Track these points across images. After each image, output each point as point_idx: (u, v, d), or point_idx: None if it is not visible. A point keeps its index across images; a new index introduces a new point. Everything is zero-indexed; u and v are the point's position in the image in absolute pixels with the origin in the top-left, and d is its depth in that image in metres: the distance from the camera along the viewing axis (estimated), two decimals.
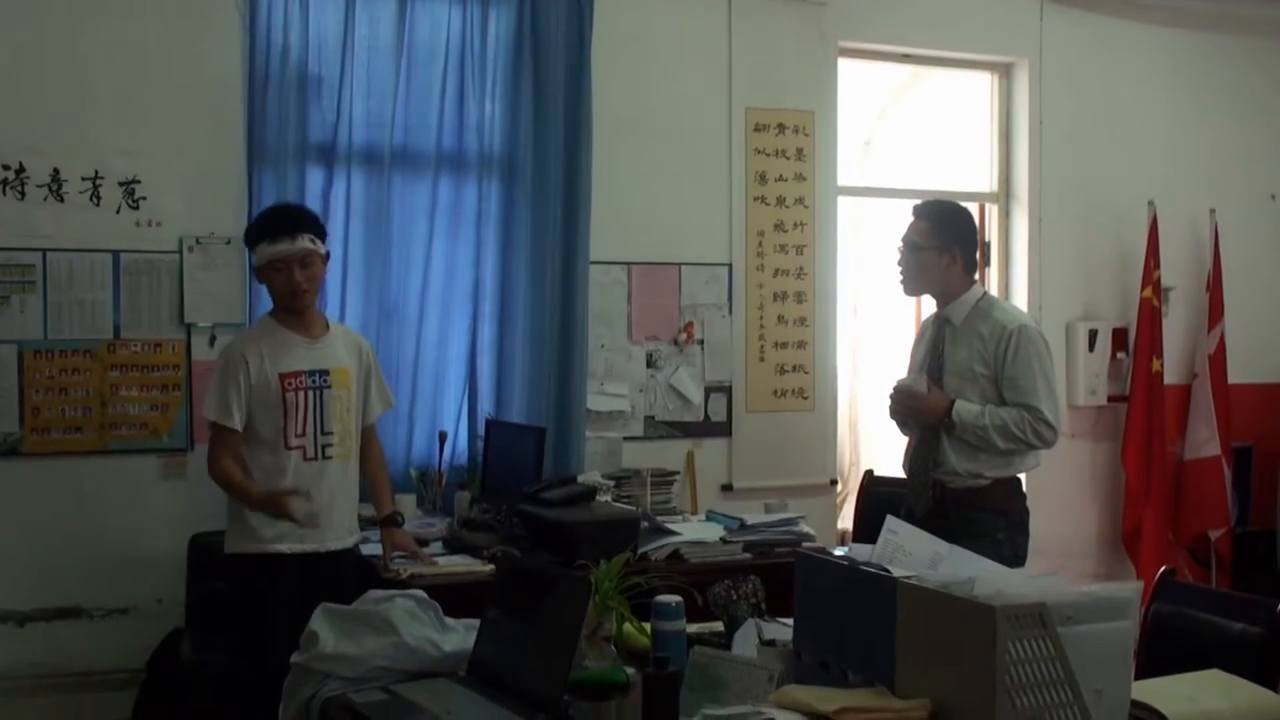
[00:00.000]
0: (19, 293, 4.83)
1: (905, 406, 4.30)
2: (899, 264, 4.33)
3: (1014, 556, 4.07)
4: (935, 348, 4.34)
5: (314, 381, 4.06)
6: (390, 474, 4.53)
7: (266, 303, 4.90)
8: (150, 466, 4.98)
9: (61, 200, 4.87)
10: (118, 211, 4.93)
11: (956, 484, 4.19)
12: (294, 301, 4.08)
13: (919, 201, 4.45)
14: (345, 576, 4.04)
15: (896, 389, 4.33)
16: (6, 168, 4.81)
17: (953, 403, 4.17)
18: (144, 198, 4.95)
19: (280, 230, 4.04)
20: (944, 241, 4.26)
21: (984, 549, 3.15)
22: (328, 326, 4.22)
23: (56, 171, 4.86)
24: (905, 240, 4.32)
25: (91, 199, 4.90)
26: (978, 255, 4.42)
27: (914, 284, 4.37)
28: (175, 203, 4.98)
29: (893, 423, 4.49)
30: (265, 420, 4.01)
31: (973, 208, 6.54)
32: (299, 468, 4.02)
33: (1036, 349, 4.16)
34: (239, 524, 4.02)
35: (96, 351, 4.91)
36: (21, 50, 4.82)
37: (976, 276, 4.40)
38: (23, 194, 4.82)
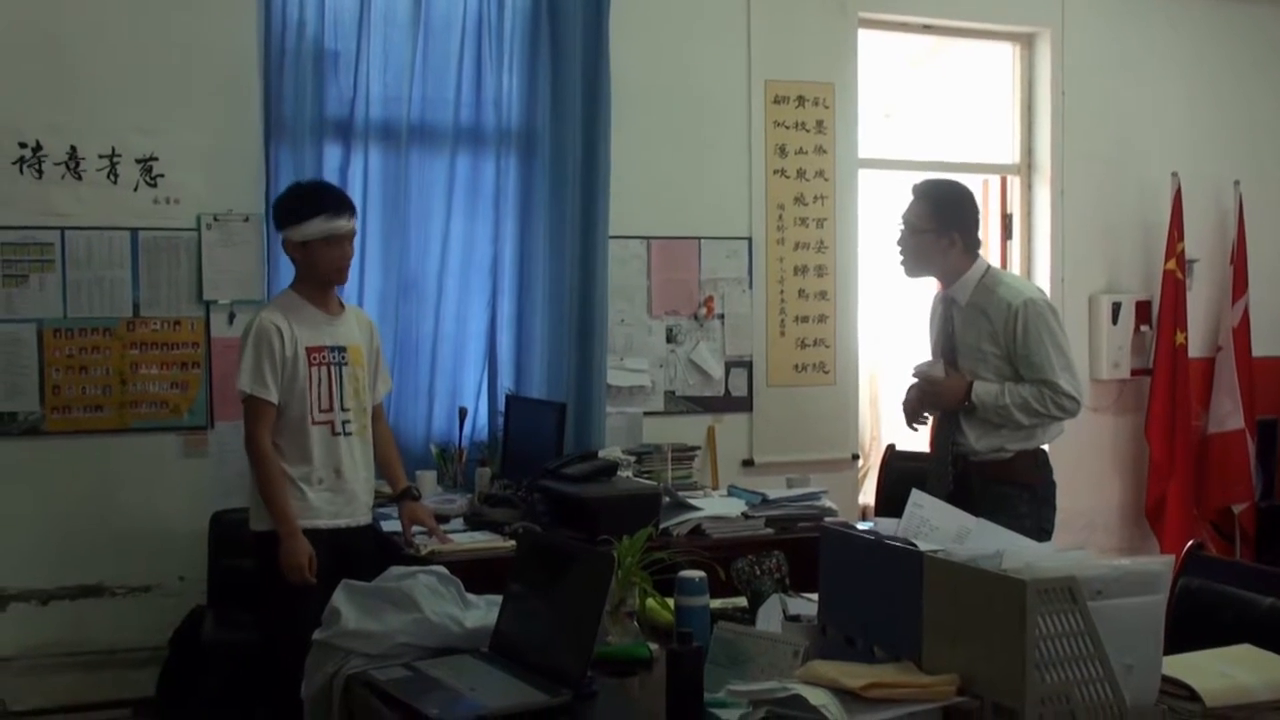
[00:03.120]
0: (38, 271, 4.82)
1: (925, 392, 4.26)
2: (898, 243, 4.28)
3: (1038, 530, 4.04)
4: (945, 328, 4.29)
5: (335, 358, 4.09)
6: (399, 450, 4.52)
7: (284, 279, 4.91)
8: (171, 444, 4.98)
9: (79, 178, 4.87)
10: (135, 189, 4.93)
11: (979, 458, 4.15)
12: (340, 276, 4.16)
13: (918, 181, 4.38)
14: (368, 551, 4.10)
15: (915, 373, 4.29)
16: (24, 146, 4.80)
17: (971, 385, 4.13)
18: (161, 175, 4.94)
19: (340, 206, 4.11)
20: (942, 225, 4.19)
21: (1007, 522, 3.13)
22: (342, 305, 4.23)
23: (74, 149, 4.85)
24: (904, 220, 4.26)
25: (109, 176, 4.90)
26: (980, 232, 4.35)
27: (914, 266, 4.30)
28: (193, 180, 4.96)
29: (905, 417, 4.42)
30: (291, 394, 4.01)
31: (994, 179, 6.53)
32: (326, 442, 4.04)
33: (1045, 322, 4.10)
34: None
35: (116, 330, 4.91)
36: (37, 28, 4.81)
37: (997, 251, 4.35)
38: (40, 172, 4.82)
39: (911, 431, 4.46)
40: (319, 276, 4.11)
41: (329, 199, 4.13)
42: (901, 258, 4.29)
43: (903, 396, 4.36)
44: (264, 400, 3.96)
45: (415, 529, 4.21)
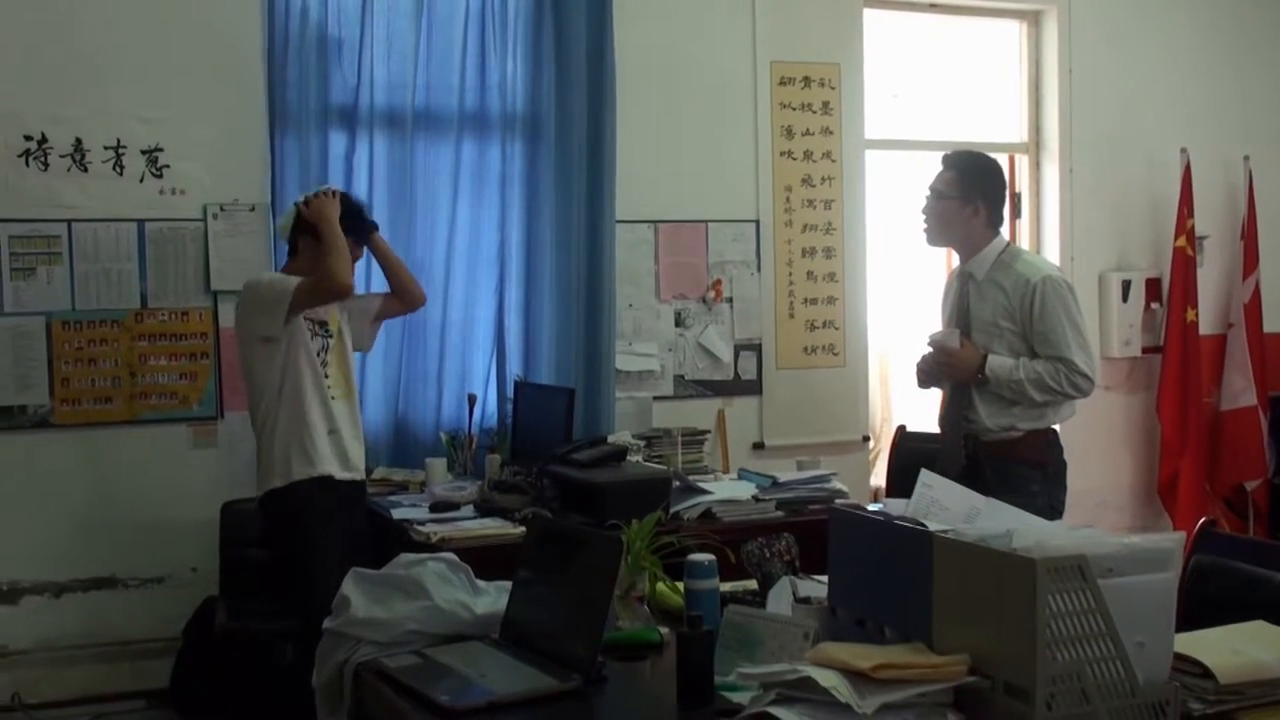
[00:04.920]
0: (45, 264, 4.83)
1: (939, 362, 4.26)
2: (923, 211, 4.29)
3: (1049, 509, 4.03)
4: (960, 303, 4.29)
5: (323, 330, 4.25)
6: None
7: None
8: (181, 435, 4.98)
9: (85, 170, 4.86)
10: (141, 180, 4.92)
11: (989, 437, 4.15)
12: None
13: (948, 151, 4.39)
14: (365, 509, 4.39)
15: (930, 343, 4.28)
16: (29, 139, 4.80)
17: (986, 357, 4.12)
18: (167, 165, 4.94)
19: (364, 230, 4.44)
20: (967, 192, 4.21)
21: (1019, 502, 3.10)
22: None
23: (79, 141, 4.85)
24: (931, 188, 4.28)
25: (114, 168, 4.89)
26: (1005, 209, 4.35)
27: (936, 234, 4.32)
28: (198, 170, 4.96)
29: (918, 383, 4.44)
30: (296, 357, 4.14)
31: (1003, 158, 6.46)
32: (330, 405, 4.20)
33: (1063, 299, 4.10)
34: (292, 455, 4.11)
35: (124, 321, 4.91)
36: (39, 20, 4.80)
37: (1005, 230, 4.34)
38: (46, 165, 4.82)
39: (921, 391, 4.47)
40: (336, 270, 4.20)
41: (363, 220, 4.46)
42: (925, 225, 4.29)
43: (917, 362, 4.37)
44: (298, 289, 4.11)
45: None
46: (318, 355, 4.20)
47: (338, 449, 4.21)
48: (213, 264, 4.98)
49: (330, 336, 4.28)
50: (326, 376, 4.21)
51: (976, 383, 4.15)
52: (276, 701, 4.24)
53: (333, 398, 4.22)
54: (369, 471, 5.02)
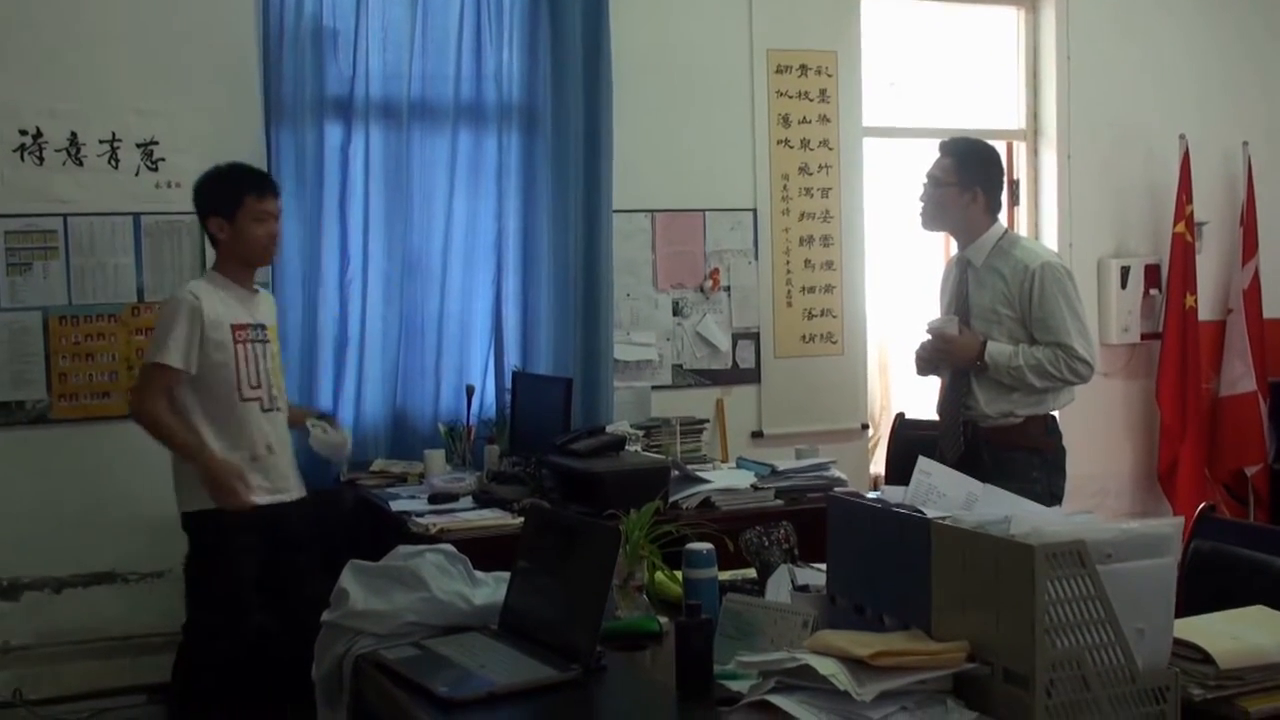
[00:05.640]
0: (41, 259, 4.82)
1: (937, 349, 4.25)
2: (920, 198, 4.28)
3: (1049, 495, 4.04)
4: (959, 290, 4.29)
5: (256, 335, 4.15)
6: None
7: (288, 260, 4.90)
8: None
9: (80, 164, 4.85)
10: (137, 174, 4.91)
11: (988, 424, 4.15)
12: (269, 255, 4.24)
13: (946, 138, 4.39)
14: (303, 526, 4.22)
15: (929, 330, 4.28)
16: (24, 133, 4.79)
17: (985, 344, 4.12)
18: (163, 159, 4.93)
19: (268, 186, 4.20)
20: (965, 179, 4.21)
21: (1018, 488, 3.10)
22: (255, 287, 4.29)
23: (74, 135, 4.84)
24: (929, 175, 4.27)
25: (110, 161, 4.88)
26: (1003, 196, 4.35)
27: (931, 219, 4.32)
28: (194, 162, 4.88)
29: (917, 370, 4.44)
30: (220, 371, 4.03)
31: (1001, 145, 6.44)
32: (259, 419, 4.10)
33: (1062, 285, 4.10)
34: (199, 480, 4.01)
35: (121, 315, 4.90)
36: (33, 13, 4.78)
37: (1004, 217, 4.34)
38: (41, 159, 4.81)
39: (920, 378, 4.49)
40: (247, 256, 4.16)
41: (255, 179, 4.20)
42: (921, 210, 4.29)
43: (916, 349, 4.37)
44: (170, 368, 3.95)
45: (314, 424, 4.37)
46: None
47: None
48: (209, 257, 4.93)
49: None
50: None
51: (976, 369, 4.15)
52: (277, 695, 4.25)
53: None
54: (368, 464, 5.04)
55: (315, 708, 2.92)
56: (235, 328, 4.07)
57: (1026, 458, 4.11)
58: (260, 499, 4.06)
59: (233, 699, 4.15)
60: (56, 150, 4.82)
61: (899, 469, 5.04)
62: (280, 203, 4.24)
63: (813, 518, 2.93)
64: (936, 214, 4.27)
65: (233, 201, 4.11)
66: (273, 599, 4.19)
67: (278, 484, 4.15)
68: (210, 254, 4.77)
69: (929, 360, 4.33)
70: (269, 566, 4.10)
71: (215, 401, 4.03)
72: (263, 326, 4.18)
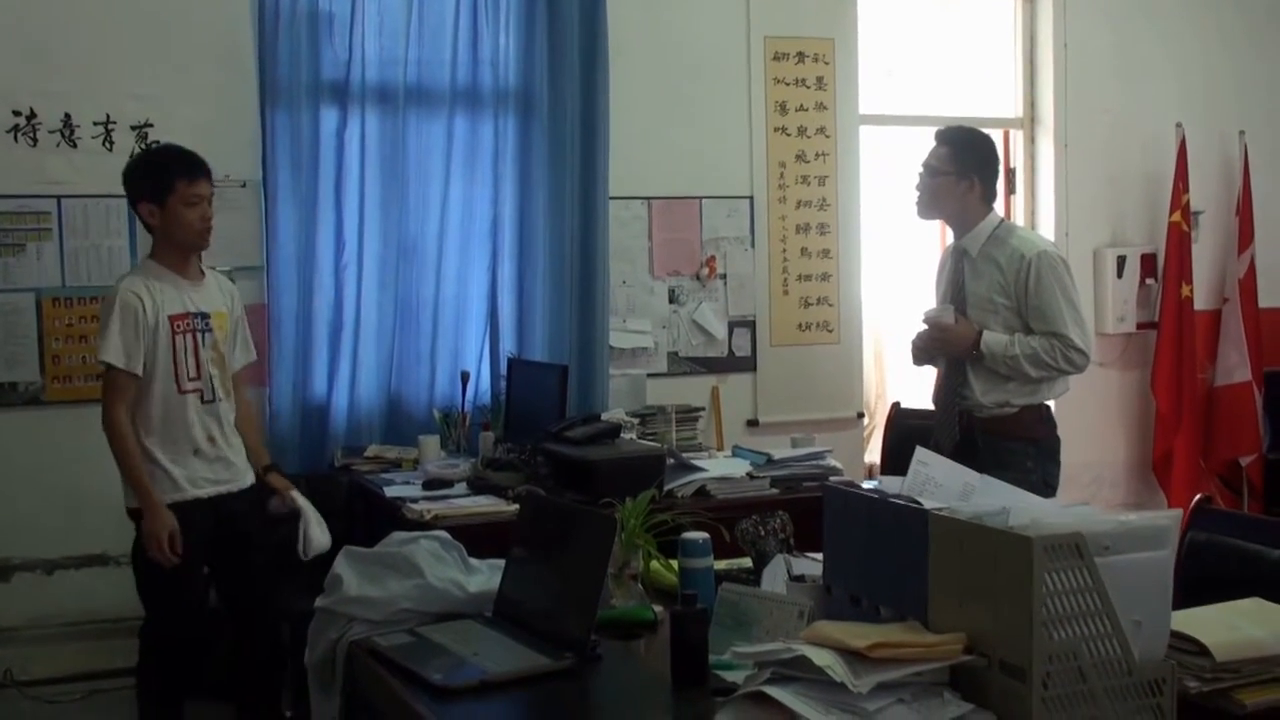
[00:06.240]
0: (35, 240, 4.80)
1: (933, 338, 4.25)
2: (916, 187, 4.28)
3: (1044, 485, 4.05)
4: (955, 280, 4.29)
5: (198, 324, 4.04)
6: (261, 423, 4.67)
7: (281, 245, 4.88)
8: None
9: (74, 146, 4.84)
10: (131, 156, 4.87)
11: (984, 413, 4.15)
12: (204, 239, 4.07)
13: (941, 127, 4.38)
14: (250, 515, 4.14)
15: (925, 319, 4.28)
16: (18, 114, 4.77)
17: (980, 333, 4.12)
18: (157, 141, 4.89)
19: (198, 169, 4.04)
20: (962, 168, 4.21)
21: (1013, 478, 3.11)
22: (203, 272, 4.17)
23: (68, 117, 4.82)
24: (925, 164, 4.27)
25: (104, 144, 4.87)
26: (999, 184, 4.35)
27: (928, 208, 4.32)
28: (189, 146, 4.85)
29: (913, 359, 4.45)
30: (158, 364, 3.95)
31: (997, 134, 6.46)
32: (198, 410, 4.02)
33: (1058, 274, 4.10)
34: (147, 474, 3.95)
35: None
36: None
37: (1000, 206, 4.34)
38: (35, 140, 4.79)
39: (916, 368, 4.50)
40: (182, 241, 4.03)
41: (184, 162, 4.05)
42: (917, 199, 4.29)
43: (912, 338, 4.38)
44: (126, 373, 3.90)
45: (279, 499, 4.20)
46: None
47: None
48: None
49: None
50: None
51: (971, 358, 4.14)
52: (267, 679, 4.25)
53: None
54: (362, 449, 5.03)
55: (307, 693, 2.91)
56: (173, 319, 3.98)
57: (1022, 447, 4.12)
58: (204, 491, 4.00)
59: (194, 685, 4.15)
60: (50, 131, 4.80)
61: (895, 458, 5.05)
62: (212, 185, 4.08)
63: (808, 506, 2.92)
64: (933, 203, 4.28)
65: (163, 186, 3.98)
66: (222, 587, 4.21)
67: (221, 475, 4.06)
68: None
69: (925, 349, 4.33)
70: (217, 555, 4.09)
71: (155, 393, 3.95)
72: (204, 315, 4.05)
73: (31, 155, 4.78)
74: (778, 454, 4.55)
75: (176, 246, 4.04)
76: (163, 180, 3.99)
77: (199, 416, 4.01)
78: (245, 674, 4.24)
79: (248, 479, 4.17)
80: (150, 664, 4.09)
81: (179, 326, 3.98)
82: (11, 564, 4.80)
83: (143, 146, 4.87)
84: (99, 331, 3.95)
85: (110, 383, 3.94)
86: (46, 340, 4.81)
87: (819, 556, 2.54)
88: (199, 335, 4.03)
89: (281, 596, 4.19)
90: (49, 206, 4.80)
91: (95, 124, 4.85)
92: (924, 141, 4.43)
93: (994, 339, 4.10)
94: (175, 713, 4.09)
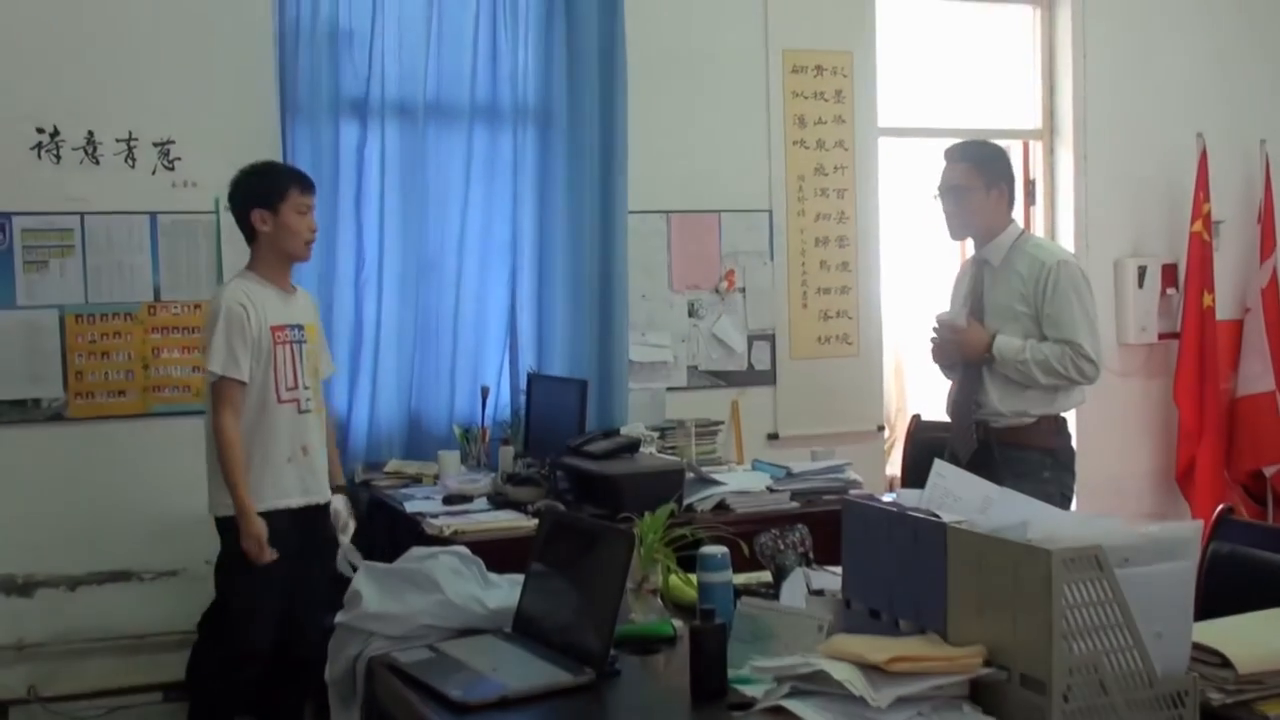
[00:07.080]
0: (58, 257, 4.83)
1: (946, 340, 4.26)
2: (945, 210, 4.28)
3: (1060, 495, 4.08)
4: (975, 289, 4.30)
5: (296, 335, 4.13)
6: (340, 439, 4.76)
7: (310, 261, 4.91)
8: (194, 428, 4.91)
9: (97, 163, 4.87)
10: (153, 173, 4.93)
11: (1000, 423, 4.16)
12: (308, 250, 4.21)
13: (949, 146, 4.38)
14: (328, 527, 4.22)
15: (938, 322, 4.29)
16: (41, 131, 4.80)
17: (994, 337, 4.13)
18: (179, 158, 4.94)
19: (309, 182, 4.19)
20: (989, 179, 4.24)
21: (1030, 488, 3.10)
22: (293, 285, 4.27)
23: (91, 134, 4.85)
24: (947, 186, 4.26)
25: (127, 160, 4.90)
26: (1019, 195, 4.38)
27: (962, 227, 4.34)
28: (210, 162, 4.94)
29: (937, 366, 4.47)
30: (259, 373, 4.02)
31: (1017, 145, 6.47)
32: (294, 421, 4.08)
33: (1076, 284, 4.12)
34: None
35: (137, 314, 4.91)
36: (51, 12, 4.80)
37: (1020, 216, 4.36)
38: (58, 157, 4.82)
39: (939, 375, 4.51)
40: (290, 249, 4.14)
41: (297, 173, 4.22)
42: (948, 222, 4.30)
43: (930, 345, 4.40)
44: (236, 381, 3.97)
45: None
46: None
47: None
48: (225, 256, 4.96)
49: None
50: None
51: (985, 362, 4.15)
52: (291, 695, 4.26)
53: None
54: (382, 465, 5.04)
55: (329, 709, 2.92)
56: (274, 329, 4.06)
57: (1039, 457, 4.13)
58: (294, 501, 4.07)
59: (251, 695, 4.16)
60: (74, 149, 4.83)
61: (916, 470, 5.03)
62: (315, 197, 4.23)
63: (828, 520, 2.91)
64: (968, 220, 4.29)
65: (277, 193, 4.09)
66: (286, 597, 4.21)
67: (311, 486, 4.14)
68: (228, 255, 4.81)
69: (942, 350, 4.33)
70: (293, 566, 4.10)
71: (255, 402, 4.02)
72: (300, 326, 4.15)
73: (55, 172, 4.82)
74: (797, 467, 4.54)
75: (281, 255, 4.15)
76: (278, 186, 4.11)
77: (296, 426, 4.08)
78: (271, 688, 4.25)
79: (329, 492, 4.24)
80: (214, 680, 4.12)
81: (279, 337, 4.06)
82: (34, 580, 4.82)
83: (165, 164, 4.90)
84: (205, 342, 4.04)
85: (219, 392, 3.98)
86: (70, 356, 4.84)
87: (838, 570, 2.53)
88: (296, 346, 4.11)
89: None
90: (72, 223, 4.83)
91: (118, 141, 4.88)
92: (943, 154, 4.42)
93: (1006, 343, 4.12)
94: None
